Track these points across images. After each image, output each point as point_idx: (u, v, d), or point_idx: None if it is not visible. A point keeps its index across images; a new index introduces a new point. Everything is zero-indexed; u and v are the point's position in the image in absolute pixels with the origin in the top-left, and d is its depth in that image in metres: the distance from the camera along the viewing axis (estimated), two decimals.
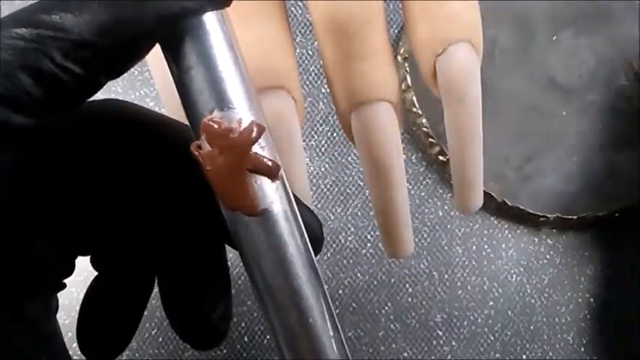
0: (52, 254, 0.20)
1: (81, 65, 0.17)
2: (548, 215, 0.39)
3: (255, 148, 0.18)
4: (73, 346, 0.22)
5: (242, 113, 0.18)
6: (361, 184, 0.40)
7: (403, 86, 0.38)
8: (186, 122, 0.20)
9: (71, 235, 0.21)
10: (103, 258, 0.24)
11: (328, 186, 0.40)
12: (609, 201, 0.40)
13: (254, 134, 0.18)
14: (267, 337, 0.38)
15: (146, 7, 0.17)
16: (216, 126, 0.18)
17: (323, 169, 0.39)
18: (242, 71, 0.18)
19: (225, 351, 0.38)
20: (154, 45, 0.18)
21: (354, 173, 0.40)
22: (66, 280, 0.22)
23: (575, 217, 0.39)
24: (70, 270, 0.22)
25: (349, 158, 0.40)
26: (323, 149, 0.40)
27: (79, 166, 0.20)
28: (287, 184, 0.19)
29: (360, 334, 0.38)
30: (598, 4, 0.40)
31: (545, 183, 0.39)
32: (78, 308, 0.24)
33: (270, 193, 0.18)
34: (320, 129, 0.40)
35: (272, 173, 0.18)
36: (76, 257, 0.22)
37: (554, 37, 0.40)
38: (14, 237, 0.18)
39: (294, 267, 0.18)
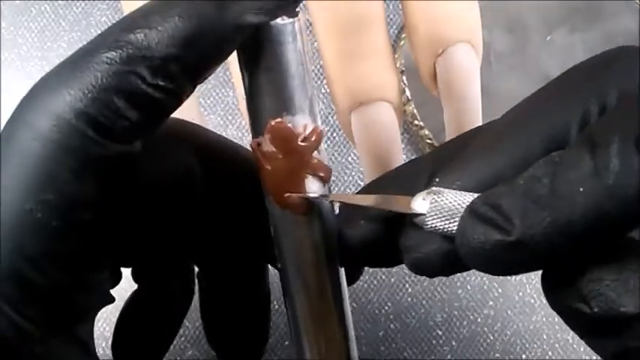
0: (105, 274, 0.20)
1: (170, 80, 0.17)
2: None
3: (314, 153, 0.19)
4: None
5: (307, 119, 0.19)
6: (361, 184, 0.40)
7: (403, 99, 0.39)
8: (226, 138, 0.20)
9: (121, 251, 0.21)
10: (144, 269, 0.24)
11: None
12: None
13: (315, 140, 0.19)
14: None
15: (225, 16, 0.17)
16: (284, 128, 0.18)
17: None
18: (309, 79, 0.19)
19: None
20: (234, 49, 0.18)
21: (354, 173, 0.40)
22: None
23: None
24: (116, 281, 0.22)
25: (349, 158, 0.40)
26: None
27: (139, 187, 0.20)
28: (329, 188, 0.20)
29: (360, 334, 0.38)
30: (589, 1, 0.40)
31: None
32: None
33: (319, 195, 0.19)
34: None
35: (326, 178, 0.19)
36: (120, 268, 0.22)
37: (549, 37, 0.40)
38: (84, 263, 0.18)
39: (336, 264, 0.20)
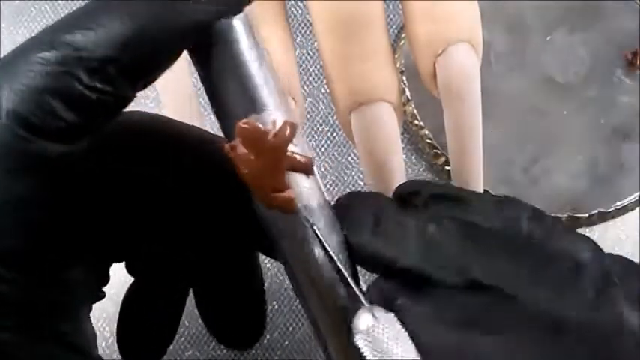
0: (88, 273, 0.20)
1: (108, 83, 0.16)
2: (560, 215, 0.39)
3: (289, 147, 0.18)
4: None
5: (275, 114, 0.18)
6: (361, 184, 0.40)
7: (403, 99, 0.38)
8: (194, 126, 0.20)
9: (103, 247, 0.21)
10: (137, 264, 0.24)
11: (328, 186, 0.40)
12: (618, 195, 0.40)
13: (288, 134, 0.18)
14: (267, 337, 0.38)
15: (166, 19, 0.17)
16: (252, 129, 0.18)
17: (323, 169, 0.39)
18: (272, 73, 0.18)
19: (225, 350, 0.38)
20: (180, 53, 0.18)
21: (354, 173, 0.40)
22: None
23: (586, 215, 0.39)
24: (105, 280, 0.22)
25: (349, 158, 0.40)
26: (323, 149, 0.40)
27: (112, 181, 0.20)
28: (318, 177, 0.19)
29: None
30: (589, 1, 0.40)
31: (552, 183, 0.39)
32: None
33: (305, 189, 0.18)
34: (320, 129, 0.40)
35: (308, 170, 0.19)
36: (110, 266, 0.22)
37: (548, 37, 0.40)
38: (49, 262, 0.18)
39: (335, 258, 0.19)
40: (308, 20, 0.41)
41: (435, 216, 0.18)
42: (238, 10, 0.18)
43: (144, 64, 0.17)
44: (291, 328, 0.38)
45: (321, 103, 0.40)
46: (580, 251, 0.18)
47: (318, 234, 0.18)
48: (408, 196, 0.19)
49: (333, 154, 0.40)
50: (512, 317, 0.16)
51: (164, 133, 0.21)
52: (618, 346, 0.16)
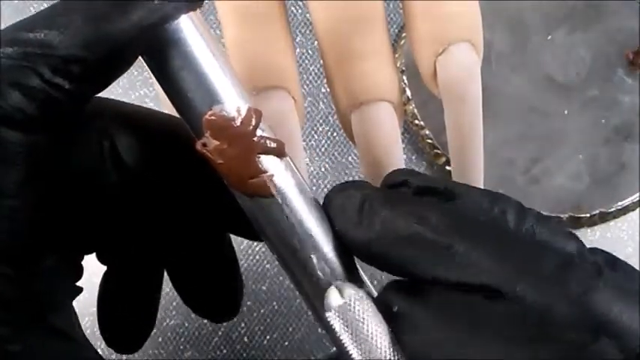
0: (62, 263, 0.20)
1: (70, 80, 0.17)
2: (561, 216, 0.39)
3: (258, 132, 0.19)
4: None
5: (238, 102, 0.19)
6: None
7: (403, 98, 0.38)
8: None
9: (75, 239, 0.21)
10: (107, 253, 0.24)
11: (328, 186, 0.40)
12: (619, 195, 0.40)
13: (255, 119, 0.19)
14: (267, 337, 0.38)
15: (129, 19, 0.17)
16: (219, 119, 0.18)
17: (323, 169, 0.39)
18: (226, 65, 0.19)
19: (225, 351, 0.38)
20: (138, 55, 0.18)
21: (354, 173, 0.40)
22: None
23: (587, 215, 0.39)
24: (79, 273, 0.22)
25: (349, 158, 0.40)
26: (323, 149, 0.40)
27: (81, 170, 0.20)
28: (290, 159, 0.19)
29: None
30: (589, 0, 0.40)
31: (553, 183, 0.39)
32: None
33: (281, 171, 0.19)
34: (320, 129, 0.40)
35: (280, 151, 0.19)
36: (82, 259, 0.22)
37: (549, 37, 0.40)
38: (25, 253, 0.18)
39: (320, 238, 0.19)
40: (308, 20, 0.40)
41: (420, 207, 0.18)
42: (197, 6, 0.18)
43: (106, 64, 0.17)
44: (290, 329, 0.38)
45: (321, 103, 0.40)
46: (567, 247, 0.18)
47: (289, 212, 0.19)
48: (396, 186, 0.19)
49: (333, 154, 0.40)
50: (499, 315, 0.16)
51: (132, 118, 0.22)
52: (604, 344, 0.16)
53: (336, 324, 0.17)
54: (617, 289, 0.16)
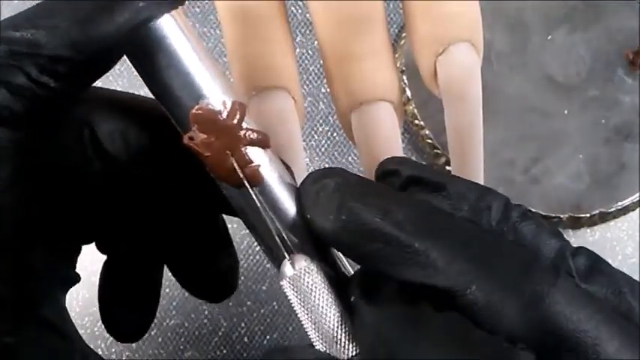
0: (54, 254, 0.20)
1: (56, 79, 0.17)
2: (561, 216, 0.39)
3: (243, 125, 0.19)
4: None
5: (223, 97, 0.19)
6: None
7: (403, 99, 0.38)
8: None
9: (66, 230, 0.21)
10: (106, 242, 0.24)
11: None
12: (619, 195, 0.40)
13: (240, 112, 0.19)
14: (267, 337, 0.38)
15: (114, 20, 0.17)
16: (205, 113, 0.19)
17: None
18: (209, 61, 0.19)
19: (225, 351, 0.38)
20: (122, 56, 0.18)
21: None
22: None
23: (587, 215, 0.39)
24: (73, 264, 0.22)
25: (349, 158, 0.40)
26: (323, 149, 0.40)
27: (65, 161, 0.20)
28: (272, 151, 0.20)
29: None
30: (589, 0, 0.40)
31: (553, 183, 0.39)
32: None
33: (266, 162, 0.19)
34: (320, 129, 0.40)
35: (265, 143, 0.20)
36: (76, 250, 0.22)
37: (549, 37, 0.40)
38: (15, 246, 0.18)
39: (302, 227, 0.19)
40: (308, 20, 0.40)
41: (390, 201, 0.18)
42: (179, 4, 0.19)
43: (91, 64, 0.18)
44: (290, 329, 0.38)
45: (321, 103, 0.40)
46: (548, 245, 0.17)
47: (273, 201, 0.19)
48: (387, 174, 0.19)
49: (333, 154, 0.40)
50: (439, 326, 0.16)
51: (116, 103, 0.22)
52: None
53: (289, 292, 0.19)
54: (573, 296, 0.16)
